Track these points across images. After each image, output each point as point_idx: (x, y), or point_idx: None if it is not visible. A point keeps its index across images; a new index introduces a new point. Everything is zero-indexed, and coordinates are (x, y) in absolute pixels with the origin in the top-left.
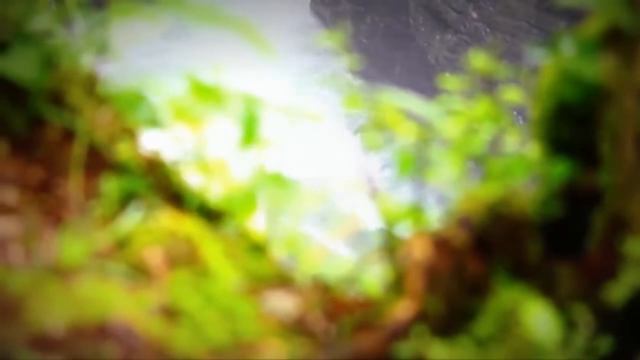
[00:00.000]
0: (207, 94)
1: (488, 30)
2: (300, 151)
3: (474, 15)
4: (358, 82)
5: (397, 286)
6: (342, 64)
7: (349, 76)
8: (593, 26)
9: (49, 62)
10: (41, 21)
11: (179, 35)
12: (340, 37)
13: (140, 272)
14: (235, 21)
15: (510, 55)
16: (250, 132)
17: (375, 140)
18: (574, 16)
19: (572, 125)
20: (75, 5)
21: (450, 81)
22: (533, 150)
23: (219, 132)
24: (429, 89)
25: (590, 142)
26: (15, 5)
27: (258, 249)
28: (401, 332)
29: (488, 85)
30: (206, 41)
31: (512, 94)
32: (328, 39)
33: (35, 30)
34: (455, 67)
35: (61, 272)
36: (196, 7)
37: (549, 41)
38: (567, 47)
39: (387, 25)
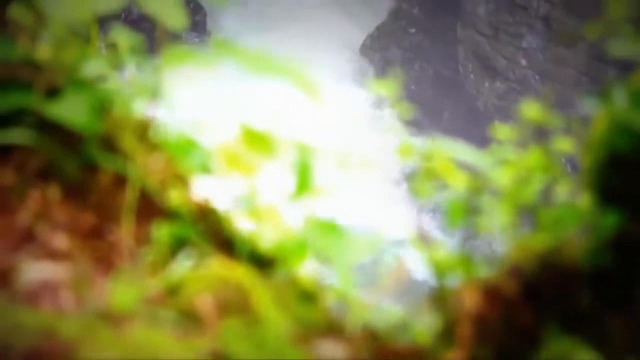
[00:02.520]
0: (259, 140)
1: (537, 78)
2: (351, 197)
3: (524, 62)
4: (408, 129)
5: (447, 335)
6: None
7: (400, 124)
8: None
9: (102, 107)
10: (93, 67)
11: (232, 79)
12: (392, 85)
13: (191, 319)
14: (287, 67)
15: (560, 103)
16: (303, 180)
17: (426, 189)
18: (624, 65)
19: (623, 176)
20: (127, 51)
21: (501, 130)
22: (584, 200)
23: (271, 178)
24: (477, 136)
25: None
26: (67, 51)
27: (308, 296)
28: None
29: (539, 134)
30: (259, 86)
31: (564, 144)
32: (380, 87)
33: (88, 75)
34: (504, 114)
35: (112, 318)
36: (249, 52)
37: (601, 91)
38: (619, 98)
39: (436, 72)
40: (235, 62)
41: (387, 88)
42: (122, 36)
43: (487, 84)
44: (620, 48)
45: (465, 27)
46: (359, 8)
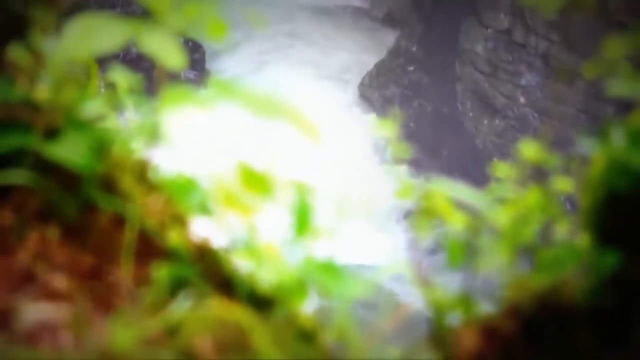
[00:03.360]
0: (257, 181)
1: (536, 115)
2: (350, 236)
3: (522, 100)
4: (406, 168)
5: None
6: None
7: (399, 163)
8: None
9: (101, 148)
10: (92, 107)
11: (230, 116)
12: (390, 125)
13: None
14: (285, 108)
15: (559, 140)
16: (302, 221)
17: (424, 228)
18: (623, 102)
19: (621, 215)
20: (126, 91)
21: (500, 169)
22: (583, 239)
23: (270, 217)
24: (476, 174)
25: None
26: (66, 91)
27: (308, 335)
28: None
29: (538, 173)
30: (258, 126)
31: (563, 184)
32: (379, 128)
33: (87, 116)
34: (503, 152)
35: (111, 359)
36: (247, 93)
37: (599, 130)
38: (617, 137)
39: (435, 109)
40: (233, 103)
41: (386, 129)
42: (121, 76)
43: (486, 122)
44: (618, 87)
45: (463, 64)
46: (359, 46)
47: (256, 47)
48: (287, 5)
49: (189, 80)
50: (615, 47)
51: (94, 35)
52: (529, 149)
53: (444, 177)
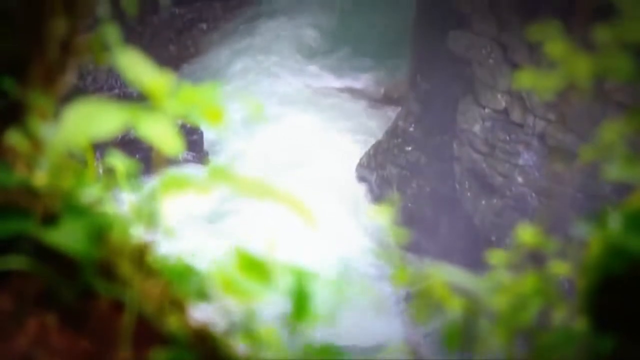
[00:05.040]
0: (255, 266)
1: (534, 195)
2: (349, 319)
3: (520, 180)
4: (404, 250)
5: None
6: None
7: (397, 247)
8: (639, 200)
9: (99, 233)
10: (90, 192)
11: (229, 204)
12: (388, 211)
13: None
14: (283, 194)
15: (557, 220)
16: (300, 307)
17: (422, 312)
18: (620, 183)
19: (618, 299)
20: (124, 176)
21: (497, 256)
22: (580, 322)
23: (269, 302)
24: (475, 254)
25: (637, 315)
26: (64, 176)
27: None
28: None
29: (536, 258)
30: (258, 211)
31: (560, 268)
32: (376, 214)
33: (85, 201)
34: (501, 231)
35: None
36: (245, 180)
37: (596, 214)
38: (614, 221)
39: (433, 189)
40: (230, 188)
41: (384, 214)
42: (119, 161)
43: (483, 201)
44: (614, 172)
45: (461, 144)
46: (356, 127)
47: (252, 136)
48: (283, 87)
49: (187, 162)
50: (612, 130)
51: (92, 121)
52: (526, 234)
53: (442, 258)
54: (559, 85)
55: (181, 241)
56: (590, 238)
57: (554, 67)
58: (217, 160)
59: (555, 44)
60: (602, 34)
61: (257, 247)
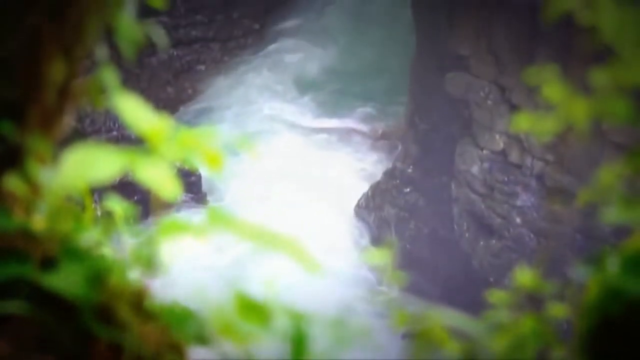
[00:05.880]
0: (253, 310)
1: (532, 236)
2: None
3: (518, 221)
4: (403, 292)
5: None
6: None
7: (395, 290)
8: (637, 243)
9: (97, 277)
10: (89, 236)
11: (228, 249)
12: (386, 255)
13: None
14: (282, 240)
15: (555, 261)
16: (298, 350)
17: (420, 355)
18: (619, 224)
19: (615, 341)
20: (122, 219)
21: (495, 296)
22: None
23: (268, 347)
24: (473, 295)
25: (634, 357)
26: (62, 220)
27: None
28: None
29: (534, 300)
30: (257, 252)
31: (558, 309)
32: (374, 258)
33: (83, 244)
34: (499, 273)
35: None
36: (244, 224)
37: (594, 257)
38: (611, 263)
39: (431, 230)
40: (229, 233)
41: (382, 258)
42: (117, 205)
43: (482, 243)
44: (612, 215)
45: (459, 185)
46: (353, 168)
47: (253, 176)
48: (280, 125)
49: (185, 203)
50: (610, 173)
51: (90, 165)
52: (524, 276)
53: (441, 299)
54: (556, 128)
55: (180, 284)
56: (589, 280)
57: (552, 109)
58: (216, 202)
59: (553, 88)
60: (599, 77)
61: (256, 290)
